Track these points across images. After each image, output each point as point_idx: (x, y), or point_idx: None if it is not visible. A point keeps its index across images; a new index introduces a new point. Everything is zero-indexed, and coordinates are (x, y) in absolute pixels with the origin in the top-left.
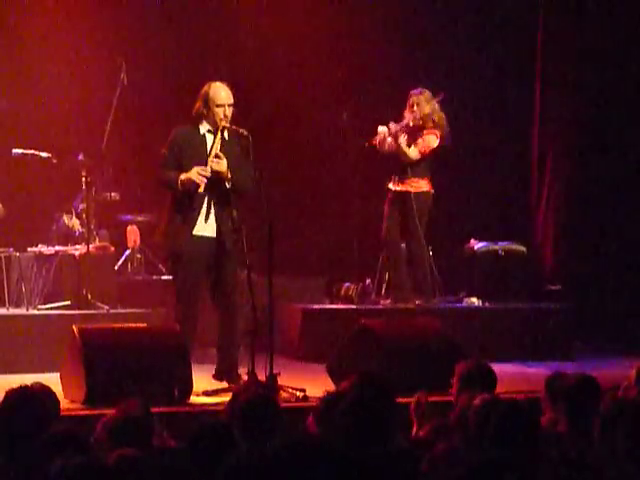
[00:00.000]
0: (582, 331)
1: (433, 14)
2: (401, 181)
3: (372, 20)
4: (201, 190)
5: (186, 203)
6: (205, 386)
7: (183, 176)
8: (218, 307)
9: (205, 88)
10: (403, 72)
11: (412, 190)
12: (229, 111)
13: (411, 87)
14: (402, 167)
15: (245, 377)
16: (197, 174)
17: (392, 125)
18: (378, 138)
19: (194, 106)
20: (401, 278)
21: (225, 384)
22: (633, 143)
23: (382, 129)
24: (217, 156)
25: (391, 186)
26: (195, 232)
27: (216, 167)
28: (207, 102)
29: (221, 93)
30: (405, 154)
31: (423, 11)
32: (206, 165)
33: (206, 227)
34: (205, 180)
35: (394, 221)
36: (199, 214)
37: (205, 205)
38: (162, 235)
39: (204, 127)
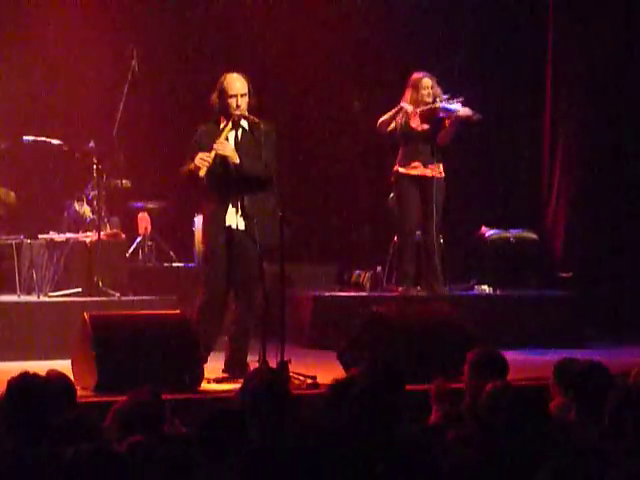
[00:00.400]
0: (593, 318)
1: (444, 9)
2: (424, 166)
3: (383, 12)
4: (201, 174)
5: (212, 194)
6: (218, 373)
7: (192, 165)
8: (235, 296)
9: (221, 79)
10: (413, 61)
11: (437, 175)
12: (242, 101)
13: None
14: (425, 151)
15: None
16: (199, 159)
17: (458, 106)
18: (407, 112)
19: (210, 98)
20: (412, 265)
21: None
22: None
23: (408, 106)
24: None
25: (409, 171)
26: (228, 222)
27: (220, 151)
28: (221, 93)
29: (236, 84)
30: (449, 137)
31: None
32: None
33: (230, 217)
34: (206, 164)
35: (413, 205)
36: (228, 205)
37: (231, 196)
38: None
39: (224, 121)
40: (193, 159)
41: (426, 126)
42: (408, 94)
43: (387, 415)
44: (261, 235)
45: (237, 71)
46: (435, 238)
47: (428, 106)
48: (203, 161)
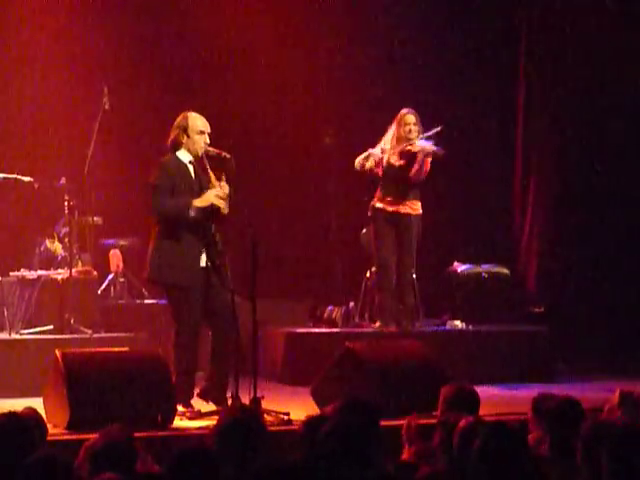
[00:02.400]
0: (565, 354)
1: (416, 37)
2: (400, 202)
3: (355, 42)
4: (225, 212)
5: (187, 233)
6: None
7: (198, 202)
8: (213, 329)
9: (181, 118)
10: (385, 95)
11: (412, 212)
12: (208, 138)
13: (393, 109)
14: (403, 188)
15: (230, 401)
16: (216, 197)
17: (423, 143)
18: (375, 159)
19: (170, 136)
20: (391, 301)
21: (211, 405)
22: (617, 166)
23: (376, 151)
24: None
25: (385, 206)
26: (202, 264)
27: (227, 191)
28: (186, 130)
29: (201, 120)
30: (423, 174)
31: (406, 34)
32: (198, 194)
33: (203, 256)
34: (224, 202)
35: (389, 242)
36: (203, 244)
37: (210, 234)
38: (163, 266)
39: (184, 156)
40: (170, 191)
41: (402, 162)
42: (393, 129)
43: (361, 452)
44: (225, 269)
45: (208, 109)
46: (410, 275)
47: (402, 146)
48: (220, 199)
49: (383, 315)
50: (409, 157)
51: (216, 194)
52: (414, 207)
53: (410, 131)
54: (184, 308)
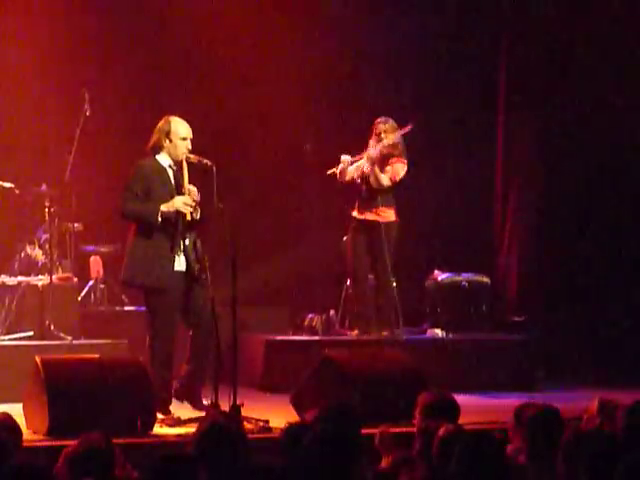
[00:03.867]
0: (545, 362)
1: (396, 45)
2: (368, 210)
3: (335, 51)
4: (188, 218)
5: (160, 237)
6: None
7: (164, 207)
8: (194, 330)
9: (163, 122)
10: (365, 103)
11: (381, 220)
12: (189, 144)
13: (373, 118)
14: (370, 195)
15: (207, 404)
16: (183, 204)
17: (372, 151)
18: (341, 167)
19: (151, 139)
20: (368, 309)
21: (189, 410)
22: (597, 176)
23: (345, 157)
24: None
25: (355, 214)
26: (176, 268)
27: (196, 198)
28: (169, 135)
29: (184, 126)
30: (380, 180)
31: (385, 43)
32: (174, 197)
33: (180, 261)
34: (191, 209)
35: (361, 250)
36: (179, 249)
37: (180, 239)
38: (137, 270)
39: (164, 160)
40: (137, 195)
41: (366, 171)
42: (369, 139)
43: (342, 459)
44: (205, 276)
45: (188, 113)
46: (386, 282)
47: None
48: (188, 207)
49: (358, 324)
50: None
51: (184, 201)
52: (383, 214)
53: (380, 140)
54: (159, 311)
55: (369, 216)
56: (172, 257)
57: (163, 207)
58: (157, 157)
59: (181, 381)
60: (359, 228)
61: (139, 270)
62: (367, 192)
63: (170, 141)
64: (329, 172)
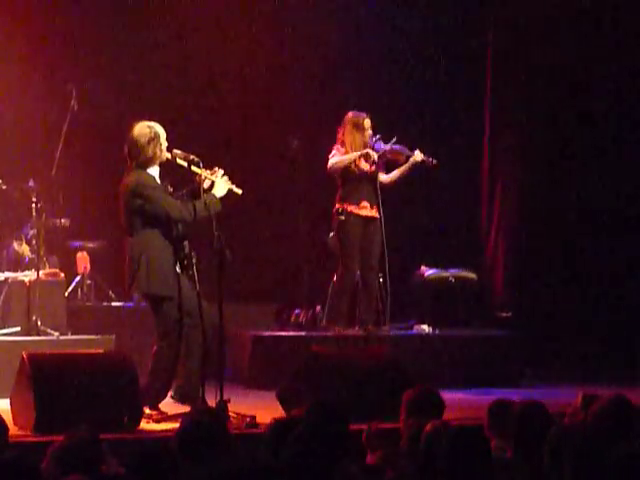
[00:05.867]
0: (531, 358)
1: (382, 40)
2: (372, 206)
3: (320, 46)
4: (239, 193)
5: (166, 242)
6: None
7: (218, 192)
8: (187, 329)
9: (148, 131)
10: (352, 99)
11: (379, 216)
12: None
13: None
14: (375, 191)
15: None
16: (227, 182)
17: (386, 146)
18: (374, 158)
19: (143, 153)
20: (354, 305)
21: (179, 407)
22: (582, 171)
23: (373, 152)
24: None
25: (360, 211)
26: (177, 269)
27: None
28: (159, 141)
29: (161, 127)
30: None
31: (371, 38)
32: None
33: (180, 262)
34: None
35: (359, 245)
36: (182, 252)
37: (177, 241)
38: (153, 280)
39: (154, 172)
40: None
41: (374, 167)
42: (350, 134)
43: (328, 455)
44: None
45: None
46: (376, 278)
47: (391, 150)
48: (230, 183)
49: (338, 319)
50: (380, 162)
51: (225, 180)
52: (380, 211)
53: (370, 135)
54: (171, 316)
55: (373, 213)
56: (176, 260)
57: (217, 192)
58: (149, 171)
59: (180, 384)
60: (363, 224)
61: (156, 280)
62: (372, 188)
63: (157, 145)
64: (367, 169)
